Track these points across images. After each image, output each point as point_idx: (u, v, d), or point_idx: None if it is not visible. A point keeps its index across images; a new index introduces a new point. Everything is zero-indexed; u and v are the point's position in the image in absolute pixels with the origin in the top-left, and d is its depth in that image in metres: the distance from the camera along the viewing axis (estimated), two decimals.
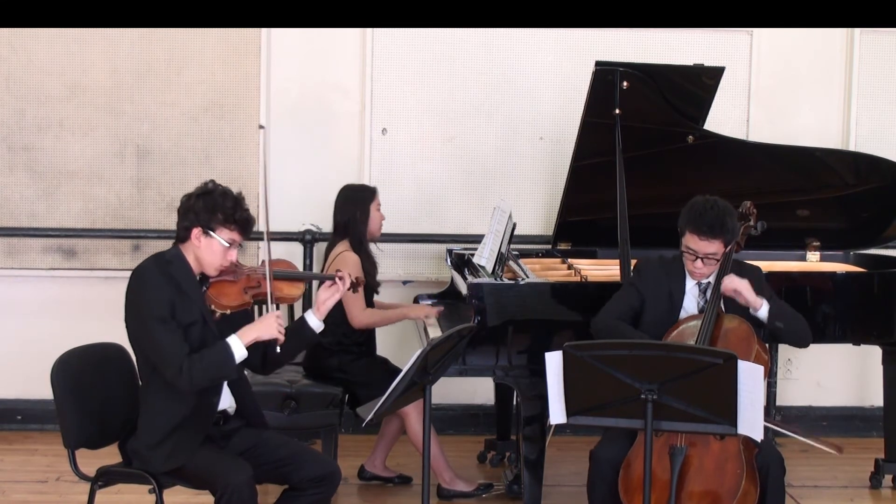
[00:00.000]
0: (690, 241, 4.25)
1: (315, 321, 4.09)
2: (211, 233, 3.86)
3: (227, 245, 3.88)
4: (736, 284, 4.24)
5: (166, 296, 3.82)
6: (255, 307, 4.04)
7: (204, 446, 3.92)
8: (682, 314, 4.35)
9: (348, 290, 4.13)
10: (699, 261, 4.25)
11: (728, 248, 4.27)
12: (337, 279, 4.08)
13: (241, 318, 4.03)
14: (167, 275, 3.86)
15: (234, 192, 3.94)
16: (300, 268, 6.02)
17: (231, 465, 3.85)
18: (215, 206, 3.86)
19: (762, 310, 4.25)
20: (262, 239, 6.20)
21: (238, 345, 3.84)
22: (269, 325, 3.89)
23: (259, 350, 4.04)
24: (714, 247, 4.22)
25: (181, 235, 3.91)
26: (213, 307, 3.92)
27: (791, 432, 4.32)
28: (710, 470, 4.02)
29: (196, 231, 3.86)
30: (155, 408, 3.90)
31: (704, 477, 4.02)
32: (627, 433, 4.15)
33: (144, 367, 3.95)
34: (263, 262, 4.01)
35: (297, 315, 5.97)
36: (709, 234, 4.20)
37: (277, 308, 4.03)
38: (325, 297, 4.08)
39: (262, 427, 4.13)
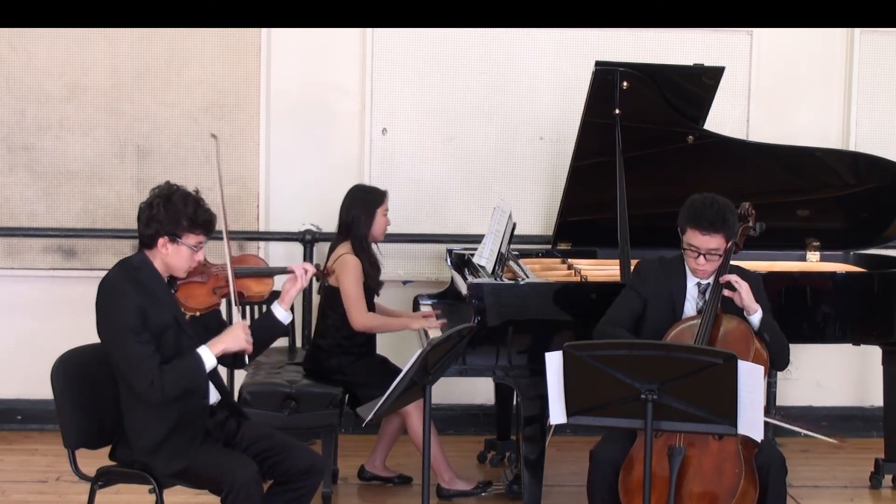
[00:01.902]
0: (692, 237, 4.24)
1: (282, 312, 4.17)
2: (178, 240, 3.89)
3: (195, 249, 3.92)
4: (737, 279, 4.23)
5: (136, 305, 3.82)
6: (237, 306, 4.10)
7: (204, 444, 3.93)
8: (683, 315, 4.34)
9: (313, 278, 4.26)
10: (701, 257, 4.24)
11: (728, 246, 4.28)
12: (298, 272, 4.17)
13: (211, 318, 4.10)
14: (136, 282, 3.88)
15: (192, 190, 3.97)
16: None
17: (236, 462, 3.86)
18: (178, 214, 3.87)
19: (755, 316, 4.23)
20: (261, 239, 6.25)
21: (208, 354, 3.88)
22: (236, 337, 3.93)
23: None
24: (716, 242, 4.22)
25: (147, 243, 3.93)
26: (182, 309, 3.96)
27: (794, 427, 4.32)
28: (709, 470, 4.02)
29: (162, 240, 3.89)
30: (145, 414, 3.89)
31: (703, 477, 4.02)
32: (627, 433, 4.15)
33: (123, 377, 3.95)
34: (231, 258, 4.08)
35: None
36: (710, 228, 4.19)
37: (241, 310, 4.09)
38: (288, 288, 4.18)
39: (243, 417, 4.16)
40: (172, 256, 3.90)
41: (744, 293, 4.22)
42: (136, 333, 3.79)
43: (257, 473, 3.85)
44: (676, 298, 4.35)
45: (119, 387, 3.95)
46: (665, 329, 4.28)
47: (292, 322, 5.74)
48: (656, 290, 4.38)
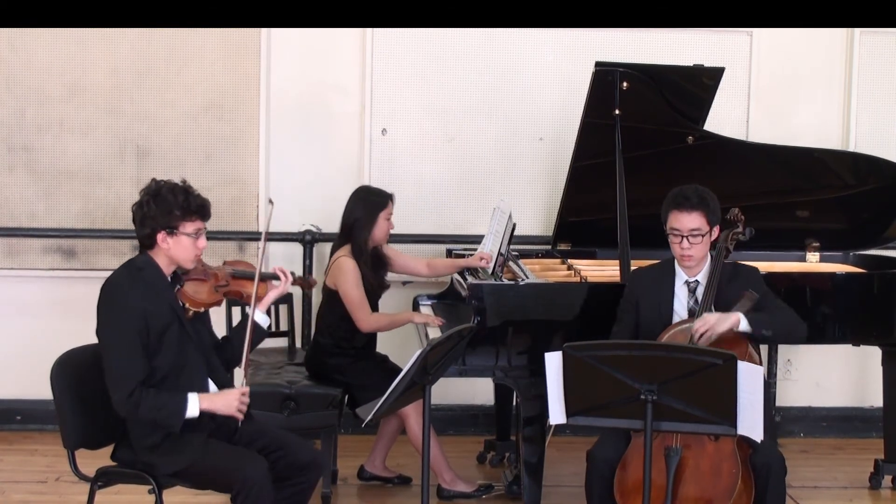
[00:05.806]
0: (673, 220, 4.30)
1: (259, 315, 4.16)
2: (175, 231, 3.90)
3: (195, 236, 3.93)
4: (707, 325, 4.11)
5: (138, 309, 3.83)
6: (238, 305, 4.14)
7: (210, 443, 3.92)
8: (674, 315, 4.35)
9: (294, 285, 4.28)
10: (685, 240, 4.27)
11: (710, 230, 4.29)
12: (280, 276, 4.18)
13: (206, 316, 4.12)
14: (140, 281, 3.89)
15: (178, 181, 3.98)
16: (300, 268, 6.03)
17: (246, 460, 3.86)
18: (170, 206, 3.89)
19: (742, 325, 4.18)
20: (261, 239, 6.24)
21: (194, 404, 3.87)
22: (228, 403, 3.94)
23: (224, 352, 4.14)
24: (697, 221, 4.26)
25: (145, 244, 3.95)
26: (187, 305, 3.99)
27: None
28: (706, 471, 4.02)
29: (161, 235, 3.90)
30: None
31: (700, 478, 4.02)
32: (624, 433, 4.15)
33: None
34: (225, 262, 4.19)
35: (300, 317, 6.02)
36: (688, 206, 4.26)
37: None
38: (268, 291, 4.20)
39: (247, 417, 4.14)
40: (174, 249, 3.92)
41: (718, 327, 4.11)
42: (129, 345, 3.80)
43: (268, 470, 3.86)
44: (665, 297, 4.37)
45: None
46: (656, 327, 4.30)
47: (292, 322, 5.81)
48: (646, 293, 4.42)
